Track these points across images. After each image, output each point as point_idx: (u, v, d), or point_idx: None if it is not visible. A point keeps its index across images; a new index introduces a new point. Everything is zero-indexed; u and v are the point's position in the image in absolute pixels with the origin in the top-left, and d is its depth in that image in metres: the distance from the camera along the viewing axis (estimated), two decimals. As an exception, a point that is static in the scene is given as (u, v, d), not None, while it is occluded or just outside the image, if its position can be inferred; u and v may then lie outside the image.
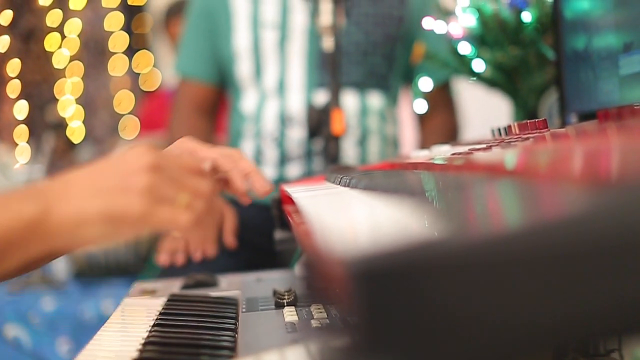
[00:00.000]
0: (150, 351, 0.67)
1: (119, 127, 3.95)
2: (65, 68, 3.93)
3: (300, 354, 0.58)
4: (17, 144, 3.78)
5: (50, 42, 3.92)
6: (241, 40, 1.57)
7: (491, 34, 1.24)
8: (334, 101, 1.28)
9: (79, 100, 3.96)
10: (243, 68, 1.57)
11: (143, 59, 4.04)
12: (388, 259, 0.27)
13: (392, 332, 0.26)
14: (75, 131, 3.89)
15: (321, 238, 0.40)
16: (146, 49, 4.06)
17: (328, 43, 1.30)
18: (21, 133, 3.82)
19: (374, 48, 1.57)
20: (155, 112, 3.05)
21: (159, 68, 4.00)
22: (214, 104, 1.67)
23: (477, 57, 1.27)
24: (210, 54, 1.63)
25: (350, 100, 1.54)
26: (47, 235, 0.49)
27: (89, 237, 0.50)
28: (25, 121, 3.84)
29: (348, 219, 0.51)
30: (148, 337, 0.71)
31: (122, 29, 4.02)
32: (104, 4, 4.00)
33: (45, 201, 0.49)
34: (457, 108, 1.70)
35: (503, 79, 1.26)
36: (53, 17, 3.91)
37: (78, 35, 3.96)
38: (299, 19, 1.55)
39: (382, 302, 0.26)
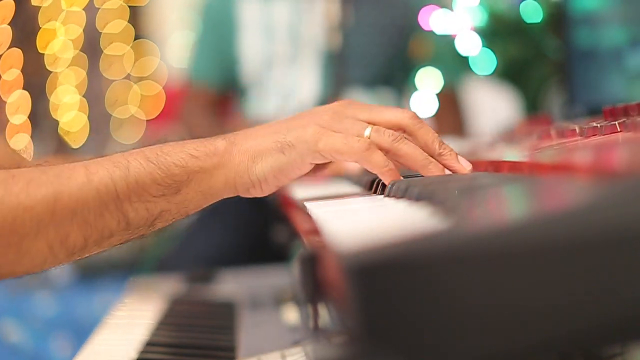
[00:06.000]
0: (150, 352, 0.67)
1: (118, 125, 3.95)
2: (64, 66, 3.93)
3: (301, 353, 0.57)
4: (15, 142, 3.78)
5: (50, 39, 3.92)
6: (250, 43, 1.57)
7: (499, 29, 1.24)
8: (340, 97, 1.28)
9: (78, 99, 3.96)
10: (252, 71, 1.57)
11: (143, 57, 4.04)
12: (385, 253, 0.26)
13: (390, 328, 0.26)
14: (74, 129, 3.89)
15: (320, 234, 0.39)
16: (146, 47, 4.06)
17: (335, 40, 1.30)
18: (19, 131, 3.82)
19: (382, 48, 1.57)
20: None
21: (159, 67, 4.00)
22: (224, 107, 1.68)
23: (485, 52, 1.27)
24: (220, 58, 1.63)
25: (359, 99, 1.54)
26: (229, 165, 0.57)
27: (263, 168, 0.57)
28: (24, 119, 3.84)
29: (348, 217, 0.50)
30: (147, 337, 0.70)
31: (122, 28, 4.02)
32: (104, 3, 4.00)
33: (233, 139, 0.59)
34: (466, 104, 1.69)
35: (510, 74, 1.27)
36: (52, 15, 3.91)
37: (78, 33, 3.96)
38: (308, 20, 1.55)
39: (379, 296, 0.26)
